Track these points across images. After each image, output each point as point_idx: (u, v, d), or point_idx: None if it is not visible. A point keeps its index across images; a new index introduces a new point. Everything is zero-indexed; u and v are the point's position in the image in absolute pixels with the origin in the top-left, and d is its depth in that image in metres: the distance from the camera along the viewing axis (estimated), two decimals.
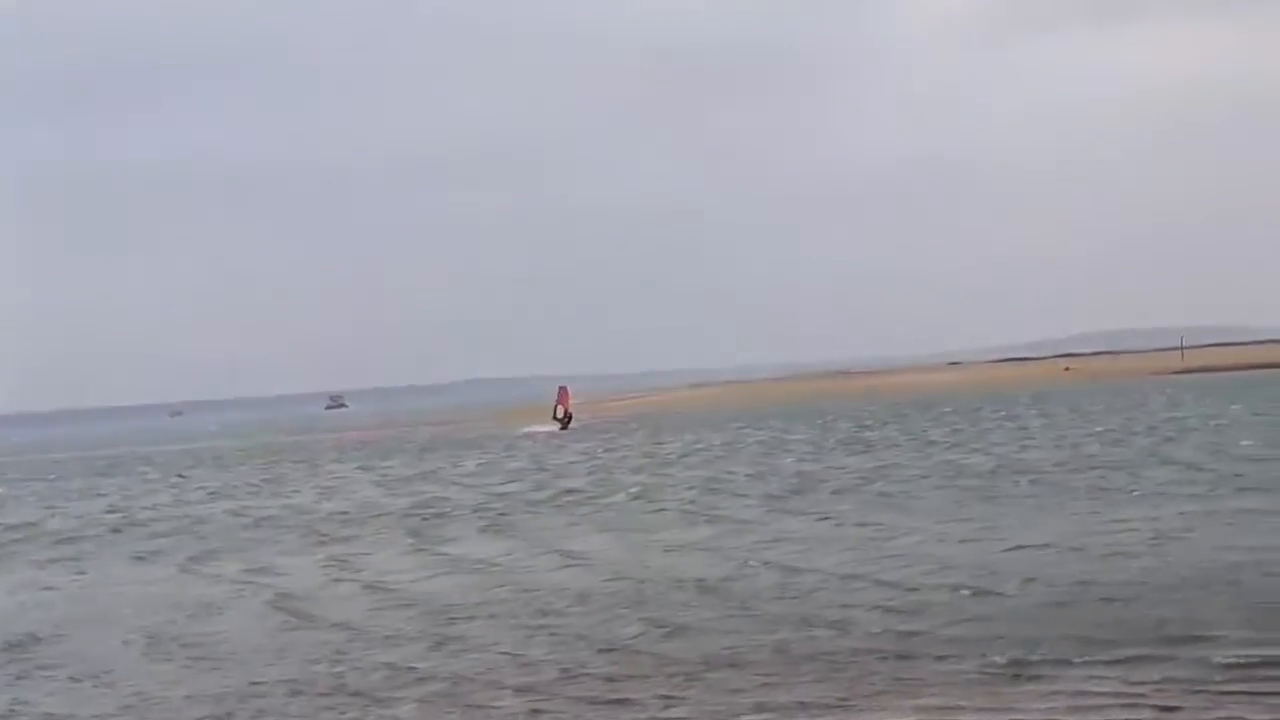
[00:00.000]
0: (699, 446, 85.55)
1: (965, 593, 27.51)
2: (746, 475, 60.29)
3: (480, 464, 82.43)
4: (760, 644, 23.76)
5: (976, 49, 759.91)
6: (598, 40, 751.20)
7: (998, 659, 21.41)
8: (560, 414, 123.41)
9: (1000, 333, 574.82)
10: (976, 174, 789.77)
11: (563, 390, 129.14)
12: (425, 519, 50.48)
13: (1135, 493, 43.46)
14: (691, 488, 55.91)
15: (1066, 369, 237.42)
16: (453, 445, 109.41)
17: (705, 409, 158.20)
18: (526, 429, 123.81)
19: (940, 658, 21.82)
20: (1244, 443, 60.13)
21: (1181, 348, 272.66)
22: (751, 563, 33.43)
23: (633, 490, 56.24)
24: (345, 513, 55.19)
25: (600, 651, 24.11)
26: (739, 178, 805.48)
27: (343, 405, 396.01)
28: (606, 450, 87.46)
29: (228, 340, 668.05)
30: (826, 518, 41.90)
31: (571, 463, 77.45)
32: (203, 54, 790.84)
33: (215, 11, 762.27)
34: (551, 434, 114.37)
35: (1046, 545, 32.99)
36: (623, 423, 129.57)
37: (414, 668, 23.78)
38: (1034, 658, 21.41)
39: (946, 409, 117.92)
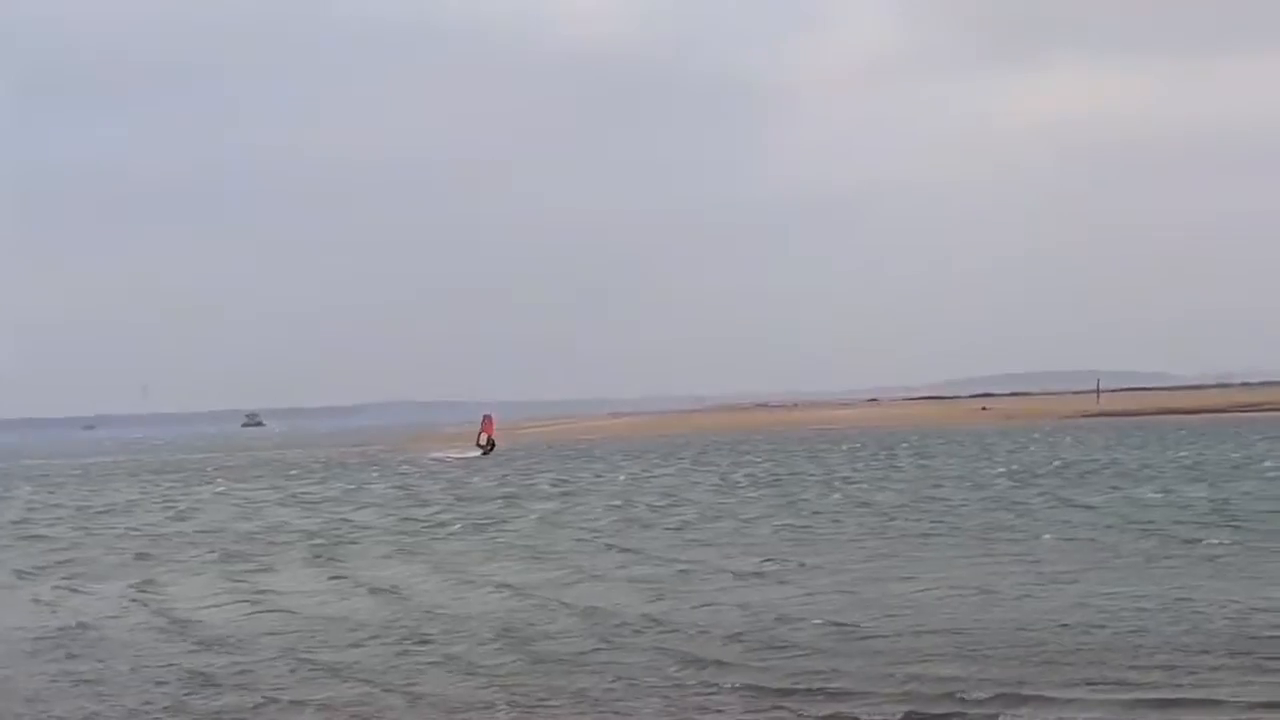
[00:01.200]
0: (588, 479, 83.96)
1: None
2: (594, 510, 58.63)
3: (349, 489, 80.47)
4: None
5: (896, 87, 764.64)
6: (523, 64, 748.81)
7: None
8: (484, 440, 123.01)
9: (927, 370, 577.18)
10: (895, 211, 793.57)
11: (487, 418, 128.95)
12: (254, 542, 48.58)
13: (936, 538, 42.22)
14: (539, 520, 54.20)
15: (983, 409, 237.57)
16: (350, 468, 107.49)
17: (622, 439, 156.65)
18: (440, 453, 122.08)
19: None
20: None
21: (1098, 390, 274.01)
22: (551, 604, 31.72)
23: (480, 521, 54.42)
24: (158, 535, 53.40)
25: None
26: (653, 206, 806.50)
27: (259, 423, 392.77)
28: (493, 479, 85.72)
29: (144, 355, 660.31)
30: (628, 553, 40.36)
31: (444, 489, 75.71)
32: (120, 60, 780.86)
33: (130, 19, 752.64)
34: (464, 460, 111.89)
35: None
36: (537, 450, 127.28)
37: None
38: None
39: (844, 446, 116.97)
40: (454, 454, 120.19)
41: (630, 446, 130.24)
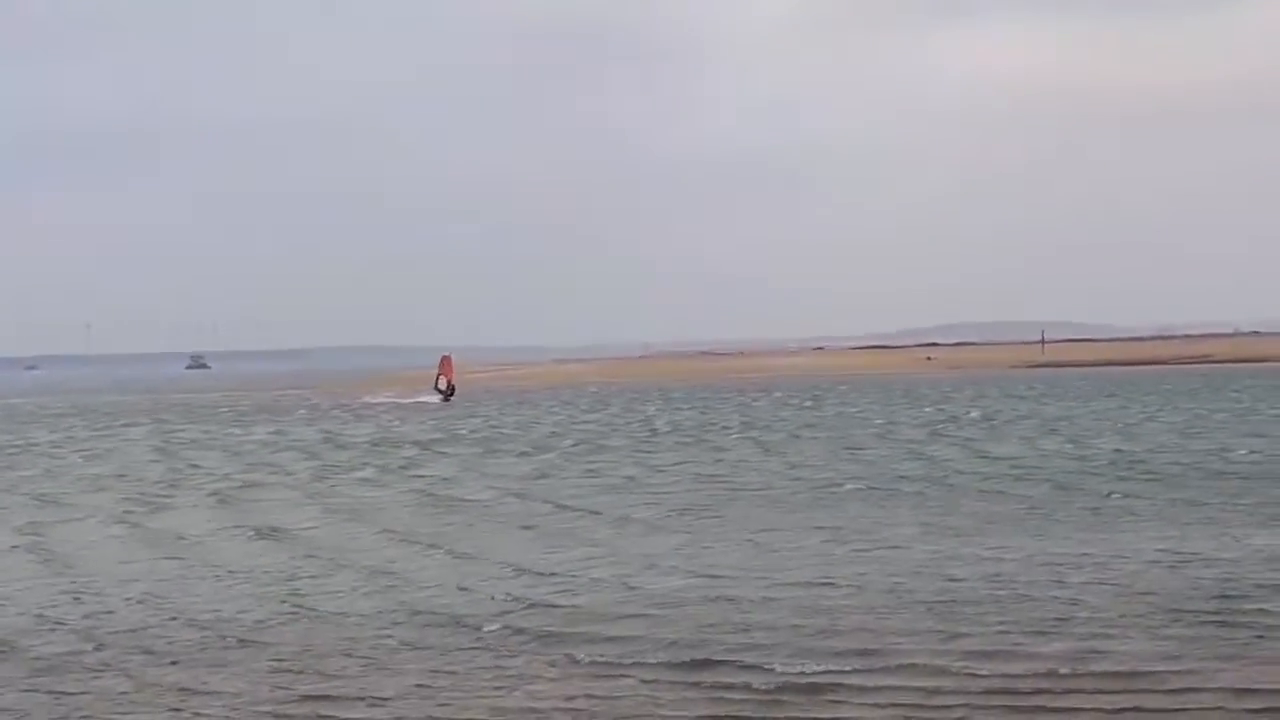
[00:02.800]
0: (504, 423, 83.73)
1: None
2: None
3: (275, 431, 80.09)
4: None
5: (833, 41, 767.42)
6: (449, 18, 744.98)
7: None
8: (443, 385, 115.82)
9: (877, 320, 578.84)
10: (831, 165, 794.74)
11: (445, 359, 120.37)
12: (159, 486, 48.27)
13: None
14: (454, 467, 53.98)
15: (928, 358, 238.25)
16: (276, 411, 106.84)
17: (563, 384, 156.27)
18: (385, 398, 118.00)
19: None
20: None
21: (1043, 341, 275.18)
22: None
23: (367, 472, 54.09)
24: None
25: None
26: (597, 161, 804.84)
27: (204, 366, 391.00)
28: (418, 423, 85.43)
29: (90, 295, 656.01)
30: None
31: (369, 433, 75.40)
32: (76, 13, 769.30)
33: None
34: (419, 405, 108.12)
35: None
36: (475, 395, 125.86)
37: None
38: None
39: (776, 394, 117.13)
40: (407, 399, 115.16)
41: (562, 394, 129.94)
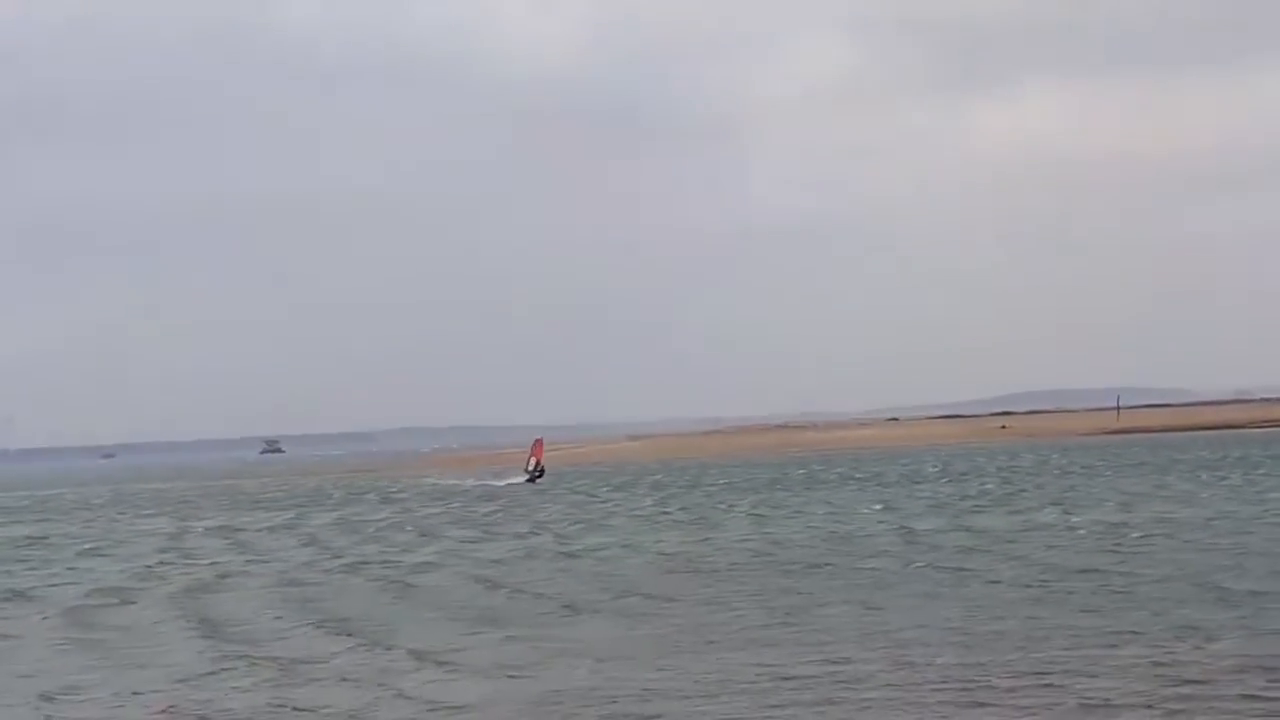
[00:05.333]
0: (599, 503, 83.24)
1: None
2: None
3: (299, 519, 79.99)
4: None
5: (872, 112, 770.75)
6: (476, 96, 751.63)
7: None
8: (532, 465, 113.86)
9: (951, 390, 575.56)
10: (883, 233, 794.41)
11: (537, 442, 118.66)
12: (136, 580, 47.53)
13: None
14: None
15: (1003, 427, 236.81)
16: (346, 498, 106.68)
17: (652, 460, 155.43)
18: (489, 481, 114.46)
19: None
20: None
21: (1118, 407, 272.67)
22: None
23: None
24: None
25: None
26: (646, 237, 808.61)
27: (279, 450, 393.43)
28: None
29: (162, 383, 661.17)
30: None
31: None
32: (107, 97, 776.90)
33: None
34: (511, 487, 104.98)
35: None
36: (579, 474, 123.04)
37: None
38: None
39: (839, 468, 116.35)
40: (499, 481, 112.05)
41: (627, 472, 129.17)
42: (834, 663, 25.37)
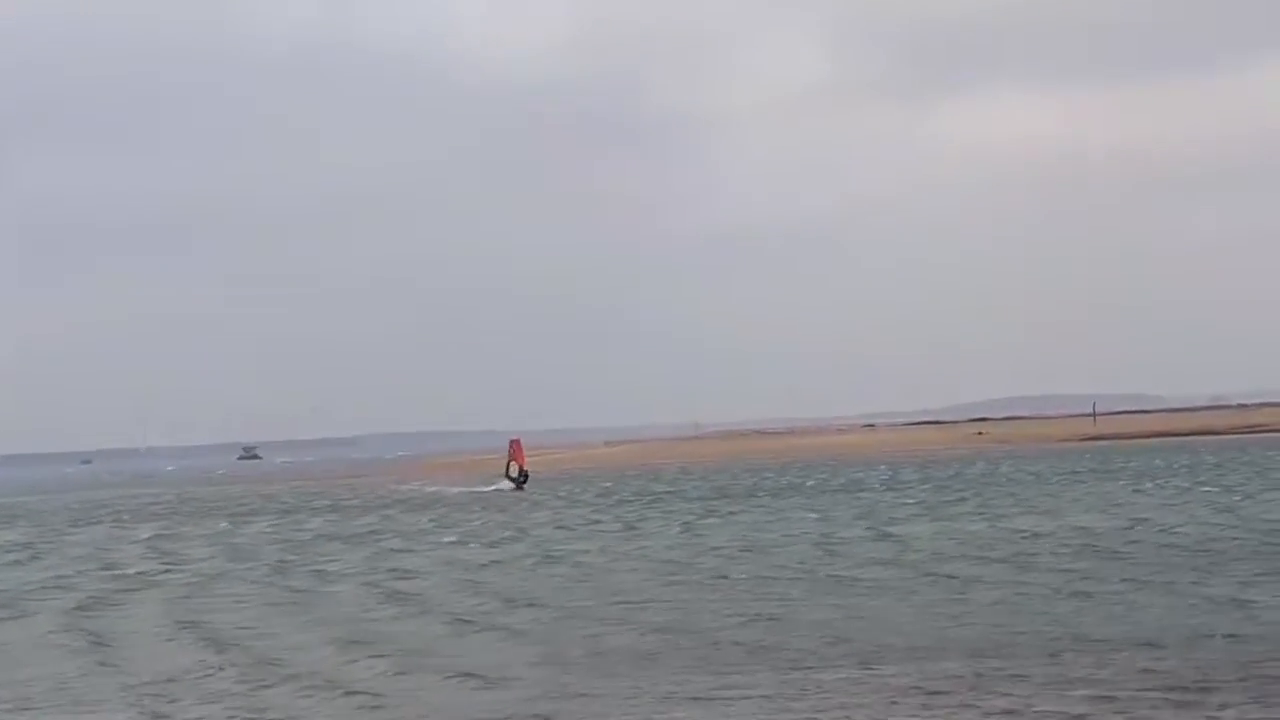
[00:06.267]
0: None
1: None
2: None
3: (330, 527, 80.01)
4: None
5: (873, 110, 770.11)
6: (463, 98, 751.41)
7: None
8: (514, 471, 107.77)
9: (928, 396, 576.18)
10: (863, 235, 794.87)
11: (515, 444, 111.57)
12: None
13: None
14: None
15: (979, 433, 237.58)
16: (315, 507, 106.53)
17: (604, 468, 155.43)
18: (466, 485, 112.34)
19: None
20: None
21: (1094, 414, 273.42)
22: None
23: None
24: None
25: None
26: (625, 239, 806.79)
27: (256, 457, 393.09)
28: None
29: (142, 388, 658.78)
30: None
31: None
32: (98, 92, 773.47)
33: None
34: (497, 493, 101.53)
35: None
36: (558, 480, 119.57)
37: None
38: None
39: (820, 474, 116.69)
40: (486, 488, 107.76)
41: (603, 479, 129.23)
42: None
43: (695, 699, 23.64)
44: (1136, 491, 74.91)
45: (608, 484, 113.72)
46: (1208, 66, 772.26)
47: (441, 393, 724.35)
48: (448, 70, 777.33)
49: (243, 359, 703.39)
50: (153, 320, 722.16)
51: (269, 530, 75.13)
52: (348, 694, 25.55)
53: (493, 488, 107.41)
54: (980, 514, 62.66)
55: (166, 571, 52.72)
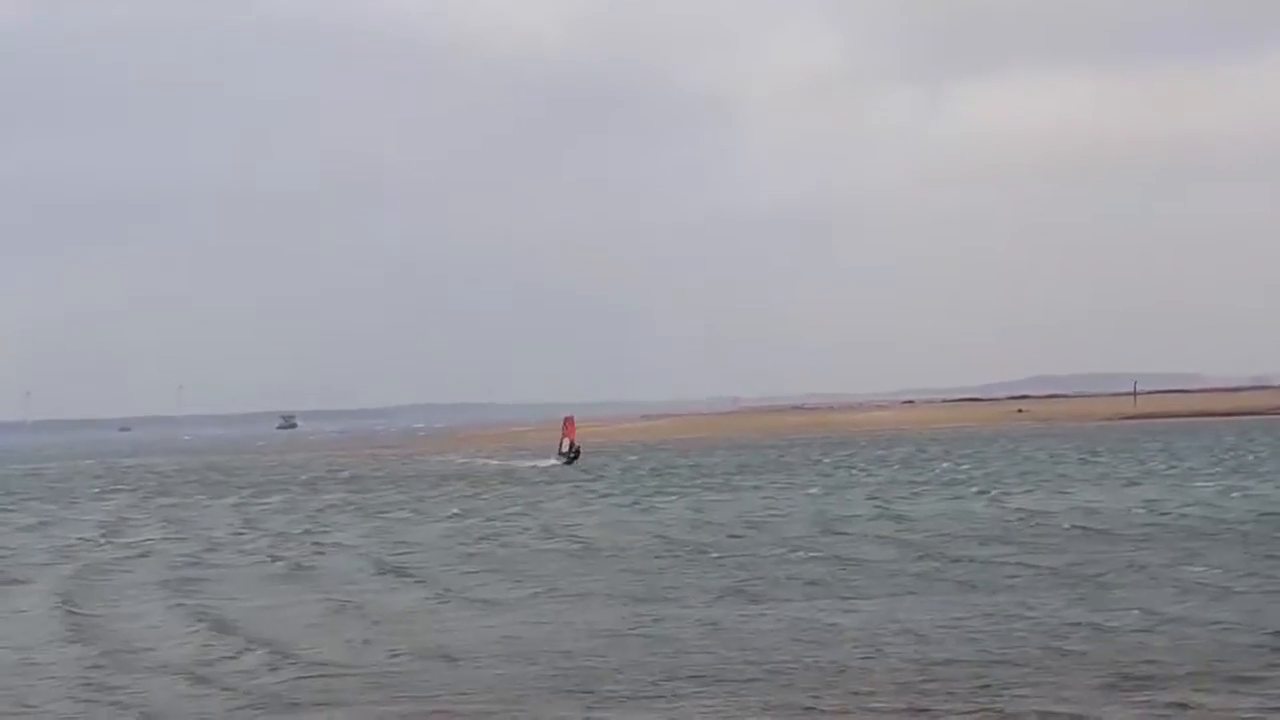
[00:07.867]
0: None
1: None
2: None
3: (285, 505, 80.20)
4: None
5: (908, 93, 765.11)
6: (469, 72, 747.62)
7: None
8: (566, 447, 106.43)
9: (968, 373, 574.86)
10: (890, 217, 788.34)
11: (568, 420, 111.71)
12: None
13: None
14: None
15: (1019, 411, 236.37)
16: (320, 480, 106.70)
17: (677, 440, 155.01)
18: (521, 460, 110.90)
19: None
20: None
21: (1135, 393, 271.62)
22: None
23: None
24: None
25: None
26: (666, 219, 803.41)
27: (293, 425, 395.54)
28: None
29: (184, 359, 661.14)
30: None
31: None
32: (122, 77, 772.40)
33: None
34: (547, 469, 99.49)
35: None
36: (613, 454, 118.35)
37: None
38: None
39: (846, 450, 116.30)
40: (540, 463, 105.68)
41: (630, 453, 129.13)
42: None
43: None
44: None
45: (633, 458, 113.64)
46: (1248, 51, 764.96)
47: (487, 366, 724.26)
48: (468, 48, 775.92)
49: (282, 334, 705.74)
50: (189, 295, 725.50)
51: (283, 504, 75.15)
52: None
53: (546, 463, 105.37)
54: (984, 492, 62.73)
55: (167, 540, 52.99)
